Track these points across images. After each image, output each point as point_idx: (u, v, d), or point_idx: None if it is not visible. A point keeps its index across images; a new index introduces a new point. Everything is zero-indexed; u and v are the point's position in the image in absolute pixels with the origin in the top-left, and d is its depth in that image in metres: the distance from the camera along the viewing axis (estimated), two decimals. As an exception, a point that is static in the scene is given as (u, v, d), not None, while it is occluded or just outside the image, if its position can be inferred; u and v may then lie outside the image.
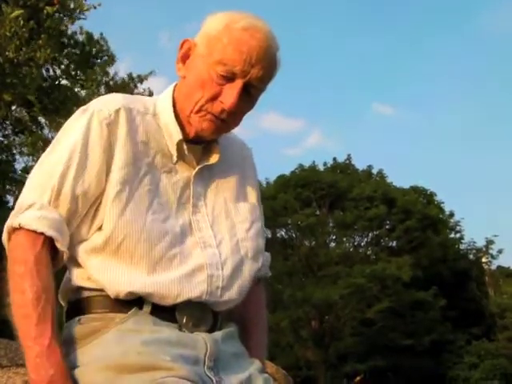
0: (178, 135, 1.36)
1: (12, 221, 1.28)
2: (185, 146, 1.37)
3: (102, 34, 11.89)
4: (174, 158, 1.37)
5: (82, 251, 1.31)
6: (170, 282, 1.27)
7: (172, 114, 1.38)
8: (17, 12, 5.15)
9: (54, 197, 1.28)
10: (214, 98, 1.32)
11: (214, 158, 1.41)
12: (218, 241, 1.36)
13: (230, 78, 1.30)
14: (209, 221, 1.38)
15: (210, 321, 1.32)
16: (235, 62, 1.29)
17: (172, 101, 1.40)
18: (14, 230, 1.27)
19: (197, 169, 1.39)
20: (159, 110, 1.40)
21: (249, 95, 1.34)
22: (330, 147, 51.42)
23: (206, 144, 1.42)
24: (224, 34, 1.31)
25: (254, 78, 1.31)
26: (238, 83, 1.30)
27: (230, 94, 1.30)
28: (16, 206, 1.30)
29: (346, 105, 53.53)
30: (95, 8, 6.53)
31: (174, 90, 1.42)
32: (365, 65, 52.54)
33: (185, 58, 1.38)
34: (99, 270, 1.28)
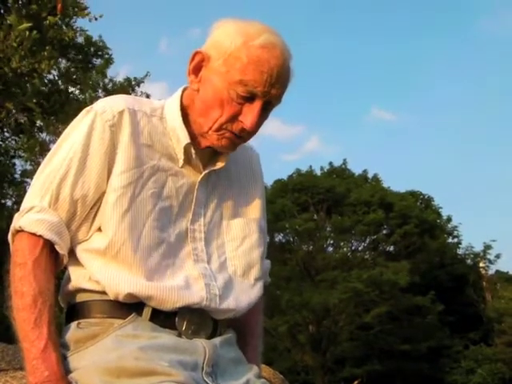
0: (185, 139, 1.36)
1: (14, 223, 1.30)
2: (193, 150, 1.36)
3: (100, 36, 11.97)
4: (181, 162, 1.37)
5: (82, 252, 1.32)
6: (170, 288, 1.28)
7: (180, 119, 1.37)
8: (25, 25, 5.15)
9: (54, 200, 1.29)
10: (233, 118, 1.31)
11: (220, 163, 1.40)
12: (208, 256, 1.36)
13: (250, 98, 1.30)
14: (204, 232, 1.38)
15: (209, 328, 1.32)
16: (256, 83, 1.28)
17: (180, 105, 1.38)
18: (17, 232, 1.29)
19: (203, 174, 1.38)
20: (166, 114, 1.39)
21: (266, 110, 1.34)
22: (328, 153, 51.43)
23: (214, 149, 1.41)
24: (242, 52, 1.29)
25: (273, 96, 1.32)
26: (259, 103, 1.30)
27: (251, 115, 1.30)
28: (20, 209, 1.31)
29: (345, 110, 53.50)
30: (96, 19, 6.53)
31: (181, 96, 1.40)
32: (364, 70, 52.65)
33: (196, 70, 1.36)
34: (100, 271, 1.29)
